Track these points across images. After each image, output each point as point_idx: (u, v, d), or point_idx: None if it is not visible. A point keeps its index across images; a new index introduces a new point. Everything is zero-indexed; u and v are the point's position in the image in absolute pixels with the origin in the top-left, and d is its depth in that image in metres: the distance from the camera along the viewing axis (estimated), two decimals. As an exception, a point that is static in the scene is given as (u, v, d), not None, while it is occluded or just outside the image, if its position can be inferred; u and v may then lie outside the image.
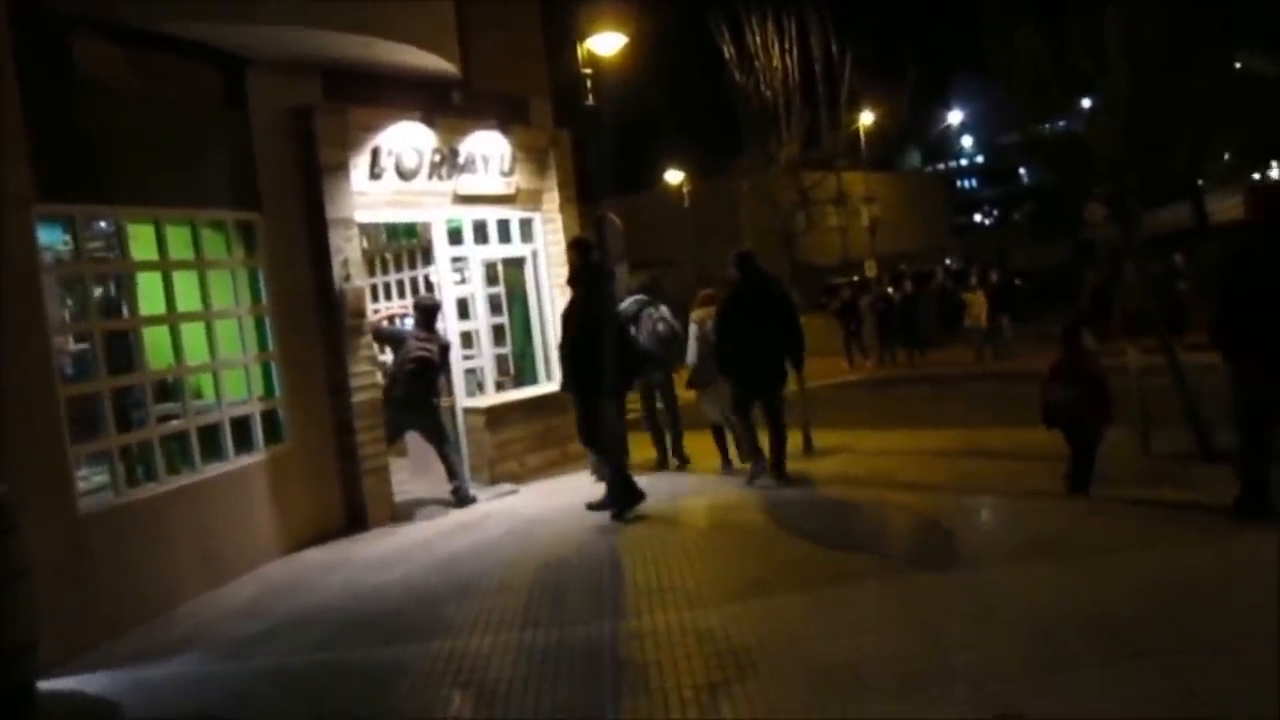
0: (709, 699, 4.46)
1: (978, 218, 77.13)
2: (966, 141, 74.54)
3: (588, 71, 13.55)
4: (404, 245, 11.43)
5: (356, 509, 8.67)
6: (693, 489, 9.31)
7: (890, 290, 23.67)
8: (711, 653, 5.01)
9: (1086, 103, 10.30)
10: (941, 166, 74.08)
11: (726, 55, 11.79)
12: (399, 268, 11.70)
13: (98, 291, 7.07)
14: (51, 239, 6.94)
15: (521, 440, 10.20)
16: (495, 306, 10.78)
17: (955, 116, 52.60)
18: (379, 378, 9.33)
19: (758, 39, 11.50)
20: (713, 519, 8.22)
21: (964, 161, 79.43)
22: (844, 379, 20.02)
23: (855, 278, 29.36)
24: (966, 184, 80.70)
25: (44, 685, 5.40)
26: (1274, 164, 40.74)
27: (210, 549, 7.29)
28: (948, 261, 36.12)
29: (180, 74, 7.61)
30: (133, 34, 7.05)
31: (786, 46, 11.57)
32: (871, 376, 20.39)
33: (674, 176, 34.63)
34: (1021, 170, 64.99)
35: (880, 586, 5.81)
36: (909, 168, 61.06)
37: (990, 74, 10.02)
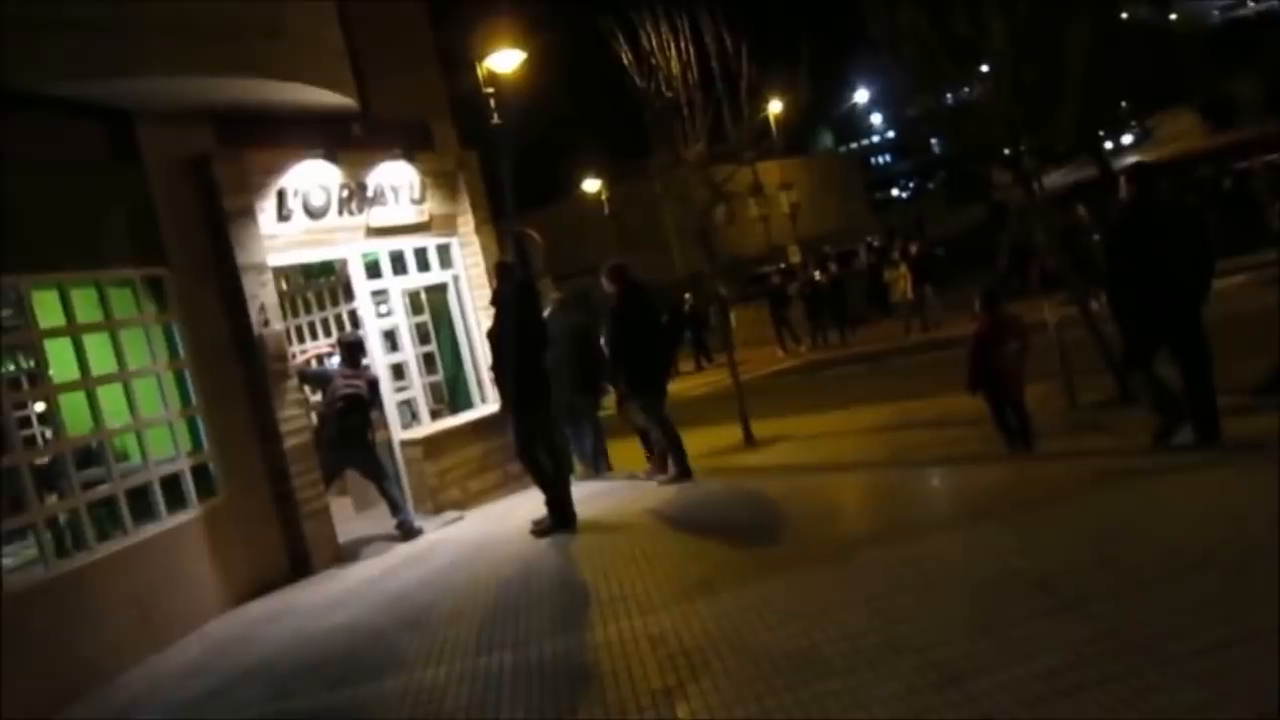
0: (665, 702, 4.48)
1: (895, 192, 78.33)
2: (876, 119, 75.64)
3: (489, 90, 13.55)
4: (323, 284, 11.31)
5: (299, 554, 8.55)
6: (627, 495, 9.34)
7: (816, 274, 23.97)
8: (665, 656, 5.02)
9: (985, 69, 10.54)
10: (855, 145, 75.12)
11: (625, 60, 11.78)
12: (320, 307, 11.56)
13: (10, 364, 6.90)
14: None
15: (462, 466, 10.14)
16: (423, 335, 10.71)
17: (861, 95, 53.41)
18: (309, 419, 9.21)
19: (653, 41, 11.53)
20: (653, 523, 8.26)
21: (876, 139, 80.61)
22: (779, 367, 20.25)
23: (781, 265, 29.71)
24: (881, 160, 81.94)
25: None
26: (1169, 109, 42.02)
27: (150, 611, 7.14)
28: (870, 239, 36.67)
29: (67, 134, 7.45)
30: (16, 99, 6.89)
31: (682, 46, 11.59)
32: (805, 361, 20.64)
33: (591, 184, 34.73)
34: (933, 141, 66.16)
35: (824, 570, 5.87)
36: (822, 150, 61.83)
37: (878, 49, 10.24)
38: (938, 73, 9.97)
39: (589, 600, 6.34)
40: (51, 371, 7.12)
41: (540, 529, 8.35)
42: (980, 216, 33.98)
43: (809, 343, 22.52)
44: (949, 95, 11.78)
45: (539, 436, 8.46)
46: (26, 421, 7.11)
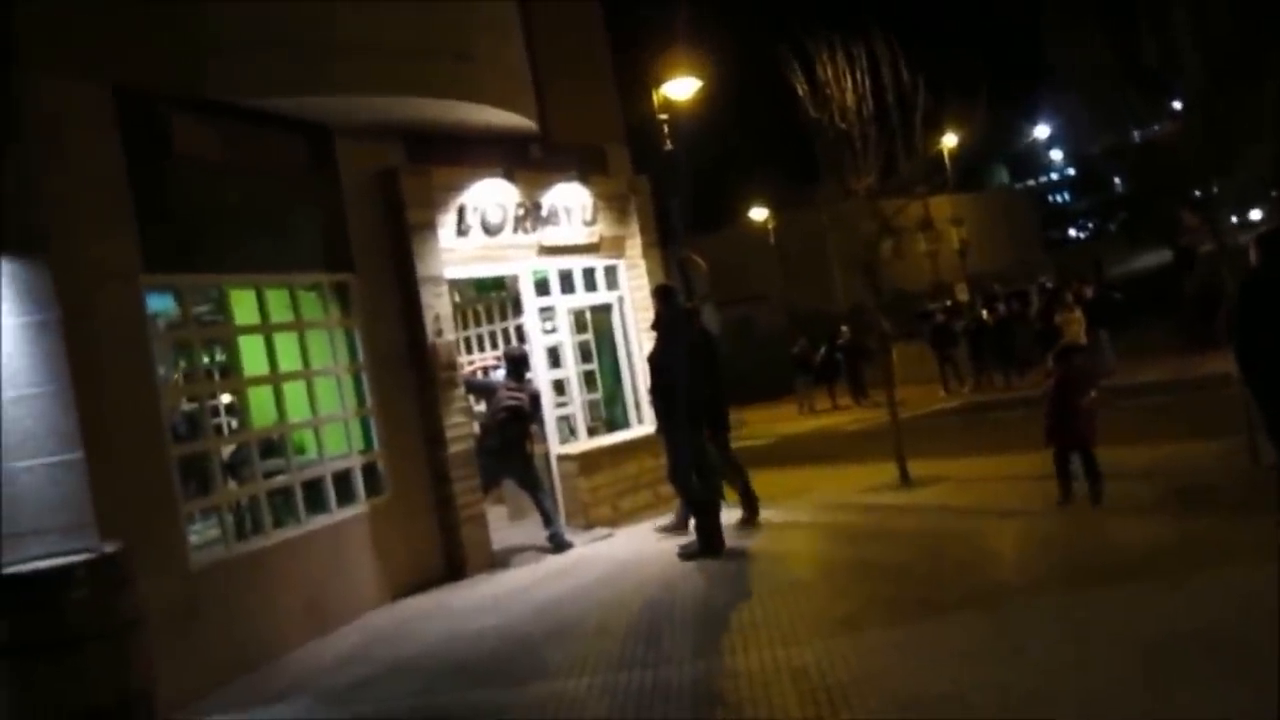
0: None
1: (1072, 231, 75.34)
2: (1055, 155, 73.04)
3: (664, 117, 13.81)
4: (493, 298, 11.70)
5: (455, 557, 8.85)
6: (774, 525, 9.30)
7: (984, 313, 23.29)
8: (806, 690, 5.00)
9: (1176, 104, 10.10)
10: (1031, 182, 72.69)
11: (799, 90, 11.79)
12: (489, 320, 11.96)
13: (205, 356, 7.44)
14: (162, 306, 7.34)
15: (615, 484, 10.30)
16: (585, 353, 10.95)
17: (1041, 130, 51.71)
18: (473, 428, 9.55)
19: (829, 71, 11.49)
20: (801, 555, 8.21)
21: (1054, 176, 77.80)
22: (939, 406, 19.75)
23: (948, 302, 28.98)
24: (1058, 198, 79.00)
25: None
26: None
27: (315, 599, 7.54)
28: (1042, 279, 35.42)
29: (272, 145, 7.98)
30: (226, 111, 7.44)
31: (858, 76, 11.51)
32: (968, 402, 20.06)
33: (758, 213, 34.75)
34: (1115, 179, 63.37)
35: (975, 616, 5.74)
36: (997, 185, 60.09)
37: (1060, 82, 9.96)
38: (1123, 107, 9.60)
39: (732, 626, 6.37)
40: (243, 366, 7.62)
41: (688, 552, 8.40)
42: (1163, 260, 32.38)
43: (972, 383, 21.88)
44: (1135, 131, 11.34)
45: (692, 460, 8.53)
46: (215, 411, 7.60)
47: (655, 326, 9.01)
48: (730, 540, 8.48)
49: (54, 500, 6.02)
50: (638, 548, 9.19)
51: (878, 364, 19.08)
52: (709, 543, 8.32)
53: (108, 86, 6.60)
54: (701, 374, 8.70)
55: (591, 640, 6.52)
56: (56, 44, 6.33)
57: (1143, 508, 7.84)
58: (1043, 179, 75.55)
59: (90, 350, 6.17)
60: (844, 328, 25.25)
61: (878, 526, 8.90)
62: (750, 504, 9.38)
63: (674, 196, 12.36)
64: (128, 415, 6.36)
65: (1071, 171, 76.51)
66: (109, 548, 5.55)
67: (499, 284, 11.41)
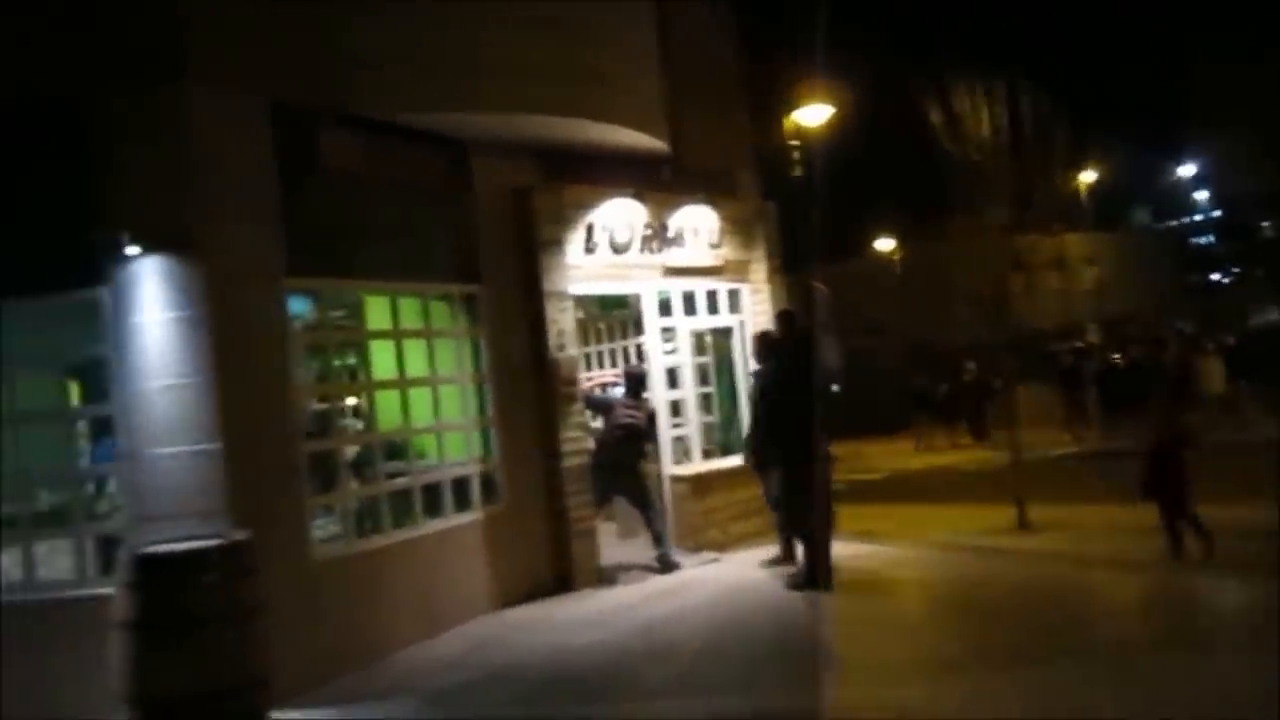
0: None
1: (1214, 276, 72.08)
2: (1201, 195, 70.03)
3: (795, 143, 13.77)
4: (614, 316, 11.82)
5: (564, 570, 8.95)
6: (885, 561, 9.14)
7: (1115, 356, 22.48)
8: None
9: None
10: (1173, 223, 69.86)
11: (934, 122, 11.64)
12: (610, 338, 12.09)
13: (337, 358, 7.73)
14: (298, 309, 7.66)
15: (726, 509, 10.28)
16: (703, 376, 10.97)
17: (1187, 169, 49.64)
18: (589, 443, 9.66)
19: (967, 103, 11.32)
20: (910, 593, 8.06)
21: (1198, 217, 74.63)
22: (1064, 450, 19.10)
23: (1077, 343, 28.04)
24: (1202, 241, 75.74)
25: (274, 715, 5.86)
26: None
27: (427, 601, 7.72)
28: (1179, 324, 34.01)
29: (412, 159, 8.24)
30: (370, 125, 7.73)
31: (996, 109, 11.31)
32: (1095, 448, 19.36)
33: (884, 243, 34.24)
34: (1264, 224, 60.46)
35: (1092, 669, 5.54)
36: (1137, 225, 57.97)
37: (1209, 120, 9.58)
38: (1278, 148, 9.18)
39: (834, 660, 6.28)
40: (372, 369, 7.87)
41: (795, 583, 8.32)
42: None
43: (1100, 429, 21.10)
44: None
45: (803, 489, 8.43)
46: (343, 412, 7.88)
47: (758, 355, 8.99)
48: (840, 575, 8.35)
49: (191, 487, 6.32)
50: (745, 574, 9.14)
51: (1001, 403, 18.61)
52: (816, 574, 8.21)
53: (264, 100, 6.94)
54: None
55: (694, 663, 6.53)
56: (220, 60, 6.69)
57: (1255, 566, 7.47)
58: (1185, 220, 72.55)
59: (233, 346, 6.48)
60: (968, 364, 24.66)
61: (990, 570, 8.67)
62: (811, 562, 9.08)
63: (801, 223, 12.25)
64: (264, 410, 6.66)
65: (1217, 213, 73.29)
66: (239, 535, 5.81)
67: (621, 302, 11.53)
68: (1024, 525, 10.12)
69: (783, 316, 9.34)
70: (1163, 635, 6.26)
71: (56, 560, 6.81)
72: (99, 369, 6.66)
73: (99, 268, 6.48)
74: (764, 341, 9.51)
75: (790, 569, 8.67)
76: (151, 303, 6.44)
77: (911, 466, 20.44)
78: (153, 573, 5.53)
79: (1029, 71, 11.44)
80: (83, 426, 7.26)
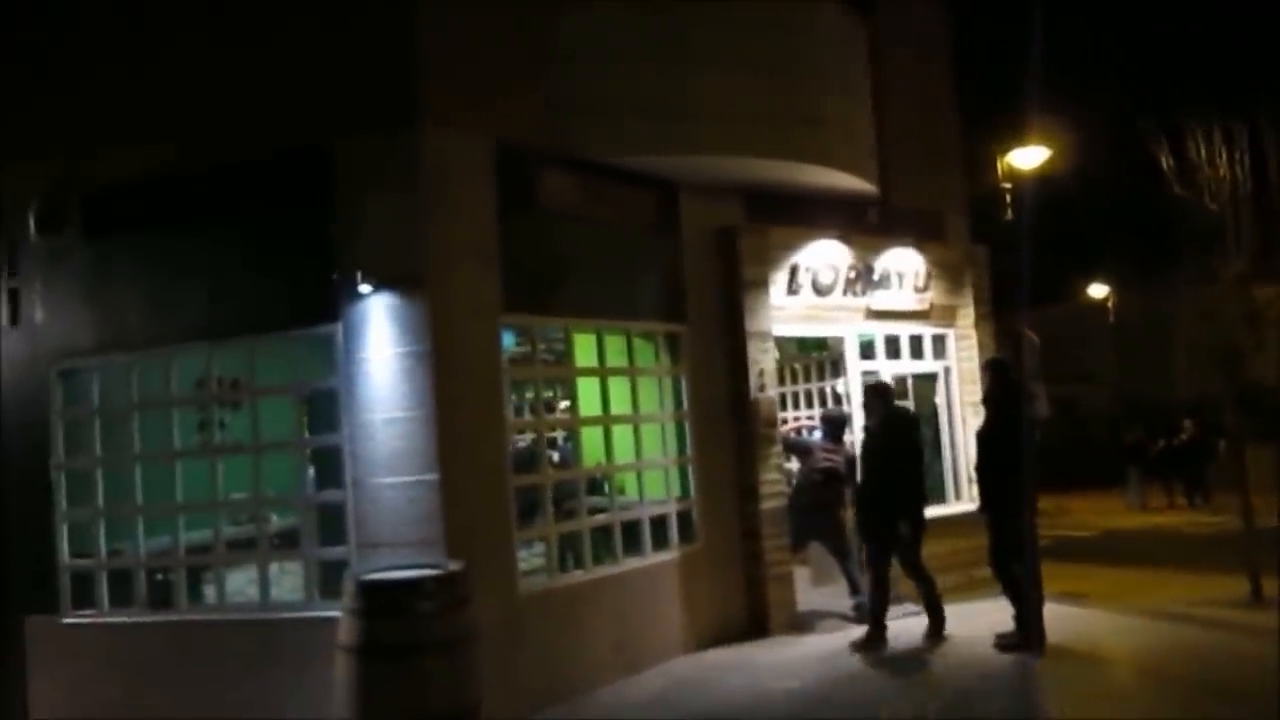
0: None
1: None
2: None
3: (1008, 185, 13.32)
4: (814, 358, 11.69)
5: (759, 613, 8.84)
6: (1104, 629, 8.61)
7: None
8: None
9: None
10: None
11: (1164, 166, 11.00)
12: (807, 379, 11.95)
13: (545, 392, 7.94)
14: (508, 343, 7.91)
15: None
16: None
17: None
18: (786, 486, 9.54)
19: (1202, 150, 10.65)
20: (1133, 664, 7.52)
21: None
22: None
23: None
24: None
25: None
26: None
27: (624, 638, 7.76)
28: None
29: (622, 200, 8.41)
30: (586, 166, 7.95)
31: (1237, 156, 10.59)
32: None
33: (1098, 290, 32.58)
34: None
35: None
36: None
37: None
38: None
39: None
40: (579, 405, 8.04)
41: (1005, 643, 7.92)
42: None
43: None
44: None
45: (1014, 545, 8.05)
46: (550, 445, 8.09)
47: (985, 401, 8.65)
48: (1052, 638, 7.91)
49: (410, 516, 6.59)
50: (949, 628, 8.77)
51: (1224, 464, 17.27)
52: (1029, 636, 7.80)
53: (490, 142, 7.23)
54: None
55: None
56: (453, 104, 7.02)
57: None
58: None
59: (452, 380, 6.74)
60: (1187, 421, 23.10)
61: (1221, 646, 8.00)
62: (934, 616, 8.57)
63: (1013, 268, 11.82)
64: (479, 443, 6.89)
65: None
66: (454, 565, 6.00)
67: (821, 344, 11.40)
68: (1259, 598, 9.34)
69: (993, 365, 8.98)
70: None
71: (284, 581, 7.24)
72: (329, 400, 7.04)
73: (335, 304, 6.88)
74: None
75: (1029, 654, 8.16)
76: (380, 338, 6.78)
77: (1126, 525, 19.24)
78: (374, 599, 5.76)
79: (1272, 112, 10.65)
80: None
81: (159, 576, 7.49)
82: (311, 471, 7.28)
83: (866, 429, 8.84)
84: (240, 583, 7.35)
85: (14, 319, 7.98)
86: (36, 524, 7.70)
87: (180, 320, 7.36)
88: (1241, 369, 12.29)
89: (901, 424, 8.65)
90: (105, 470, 7.61)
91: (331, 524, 7.02)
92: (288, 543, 7.42)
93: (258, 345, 7.19)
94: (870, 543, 8.55)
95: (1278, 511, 9.98)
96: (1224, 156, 10.34)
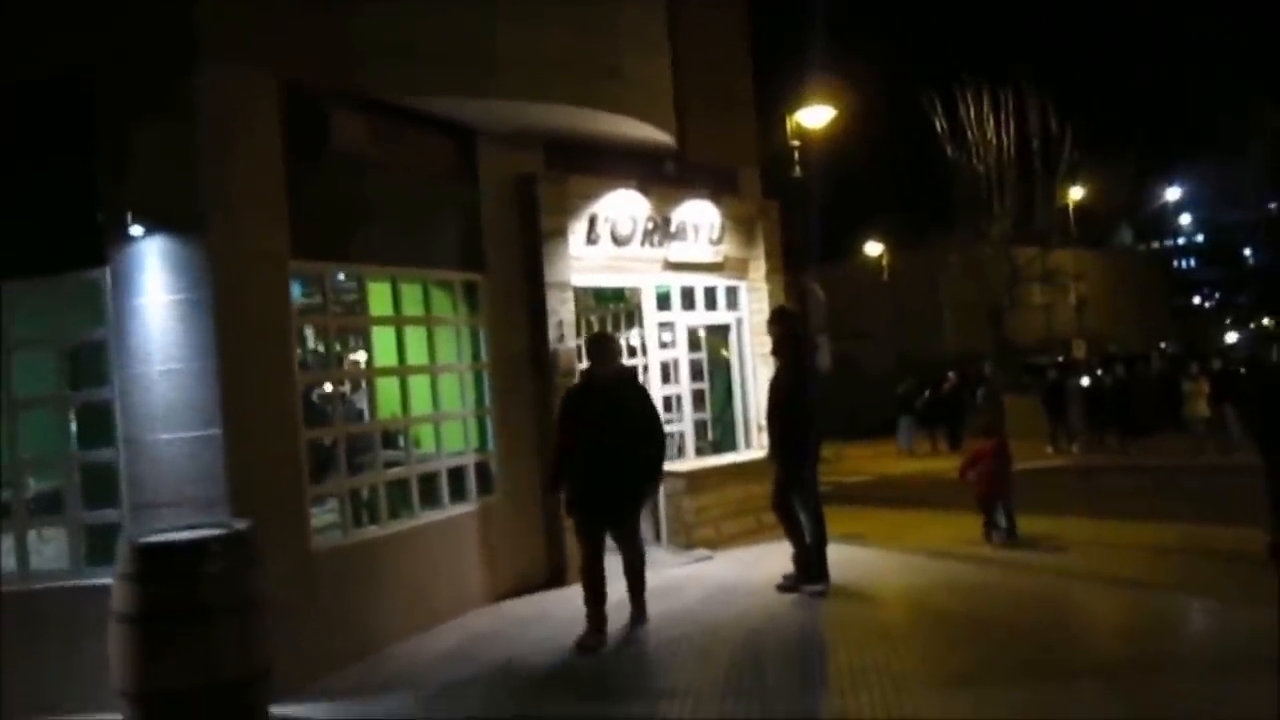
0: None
1: (1196, 300, 72.65)
2: (1184, 219, 70.52)
3: (795, 143, 13.74)
4: (610, 309, 11.73)
5: (558, 565, 8.84)
6: (888, 570, 9.10)
7: (1099, 373, 22.59)
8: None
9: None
10: (1156, 245, 70.36)
11: (938, 129, 11.65)
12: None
13: (337, 344, 7.60)
14: (296, 292, 7.52)
15: (719, 506, 10.20)
16: (696, 372, 10.91)
17: (1173, 193, 50.07)
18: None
19: (971, 113, 11.31)
20: (907, 602, 8.02)
21: (1181, 240, 75.19)
22: (1043, 464, 19.14)
23: (1060, 358, 28.14)
24: (1184, 264, 76.32)
25: (274, 711, 5.74)
26: None
27: (422, 593, 7.61)
28: (1163, 345, 34.23)
29: (420, 145, 8.13)
30: (380, 109, 7.62)
31: (1003, 120, 11.31)
32: (1075, 463, 19.43)
33: (873, 248, 34.29)
34: (1247, 251, 61.04)
35: (1095, 686, 5.52)
36: (1120, 245, 58.37)
37: (1221, 151, 9.58)
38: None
39: (840, 666, 6.23)
40: (373, 356, 7.75)
41: (787, 585, 8.26)
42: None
43: (1082, 444, 21.18)
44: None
45: (799, 491, 8.36)
46: (342, 398, 7.75)
47: (775, 351, 8.80)
48: (835, 577, 8.30)
49: (190, 473, 6.18)
50: (739, 574, 9.08)
51: (981, 412, 18.56)
52: (810, 577, 8.15)
53: (274, 80, 6.78)
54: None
55: (694, 663, 6.46)
56: (232, 39, 6.53)
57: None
58: (1169, 243, 73.02)
59: (236, 330, 6.33)
60: (950, 373, 24.77)
61: (985, 581, 8.63)
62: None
63: (799, 224, 12.22)
64: (265, 396, 6.52)
65: (1200, 238, 73.87)
66: (241, 525, 5.67)
67: (619, 295, 11.45)
68: (1013, 536, 10.11)
69: (781, 314, 9.18)
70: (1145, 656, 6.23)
71: (45, 550, 6.69)
72: (96, 352, 6.50)
73: (101, 248, 6.33)
74: (784, 326, 8.66)
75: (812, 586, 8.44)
76: (154, 284, 6.28)
77: (896, 471, 20.47)
78: (154, 563, 5.35)
79: (1037, 81, 11.43)
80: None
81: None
82: (74, 429, 6.71)
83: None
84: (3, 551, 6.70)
85: None
86: None
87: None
88: (1004, 326, 13.17)
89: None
90: None
91: (100, 486, 6.51)
92: (47, 508, 6.80)
93: (13, 292, 6.52)
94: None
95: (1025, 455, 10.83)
96: (991, 121, 11.01)
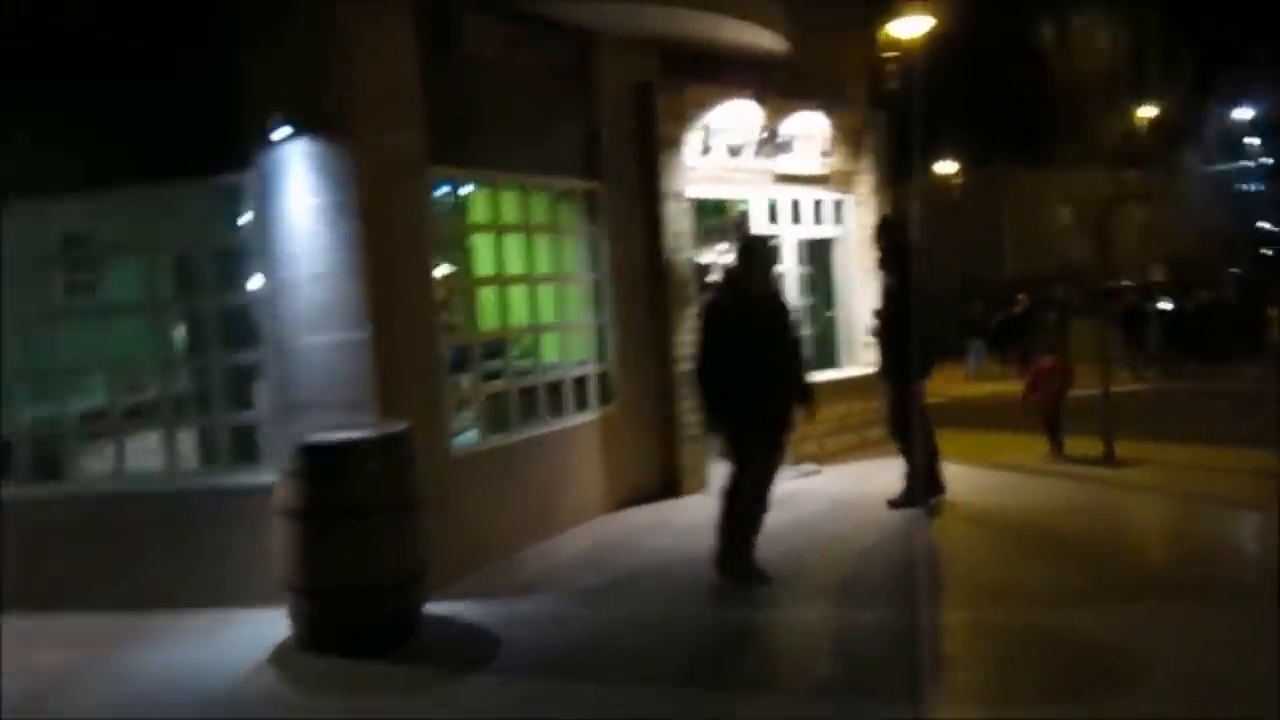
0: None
1: (1264, 224, 70.72)
2: (1253, 141, 68.26)
3: (893, 54, 13.38)
4: (712, 223, 11.58)
5: (671, 476, 8.88)
6: (998, 487, 9.06)
7: (1176, 300, 22.17)
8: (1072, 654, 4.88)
9: None
10: (1222, 167, 68.34)
11: (1042, 40, 11.29)
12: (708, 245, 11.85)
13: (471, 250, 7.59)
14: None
15: (823, 422, 10.09)
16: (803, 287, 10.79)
17: (1244, 113, 48.38)
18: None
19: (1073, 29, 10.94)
20: (1028, 519, 7.96)
21: (1250, 163, 72.92)
22: (1122, 388, 18.84)
23: (1134, 283, 27.52)
24: (1249, 187, 74.20)
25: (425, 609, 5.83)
26: None
27: (550, 499, 7.70)
28: (1234, 270, 33.36)
29: (540, 50, 7.99)
30: (503, 10, 7.47)
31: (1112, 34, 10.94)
32: (1153, 388, 19.13)
33: (944, 167, 33.50)
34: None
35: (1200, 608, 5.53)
36: (1188, 166, 56.75)
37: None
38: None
39: (954, 580, 6.36)
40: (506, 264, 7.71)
41: (898, 503, 8.22)
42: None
43: (1160, 368, 20.85)
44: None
45: (911, 407, 8.27)
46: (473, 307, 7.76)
47: (884, 264, 8.56)
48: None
49: (338, 376, 6.22)
50: (848, 489, 9.09)
51: (1053, 334, 18.26)
52: (922, 494, 8.09)
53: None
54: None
55: (815, 573, 6.56)
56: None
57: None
58: (1236, 165, 70.84)
59: (381, 234, 6.30)
60: (1020, 295, 24.40)
61: (1092, 502, 8.54)
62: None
63: (901, 138, 11.94)
64: (409, 301, 6.53)
65: (1268, 160, 71.52)
66: (396, 426, 5.71)
67: (719, 208, 11.29)
68: (1111, 459, 9.95)
69: (887, 224, 8.94)
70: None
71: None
72: (243, 256, 6.53)
73: (246, 150, 6.29)
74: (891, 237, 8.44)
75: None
76: (300, 188, 6.25)
77: (969, 393, 20.27)
78: (317, 462, 5.41)
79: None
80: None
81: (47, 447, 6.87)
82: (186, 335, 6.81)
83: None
84: (132, 454, 6.80)
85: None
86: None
87: (54, 167, 6.58)
88: (1071, 249, 12.87)
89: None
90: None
91: (233, 390, 6.60)
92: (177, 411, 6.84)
93: (148, 196, 6.51)
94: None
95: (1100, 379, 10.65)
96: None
